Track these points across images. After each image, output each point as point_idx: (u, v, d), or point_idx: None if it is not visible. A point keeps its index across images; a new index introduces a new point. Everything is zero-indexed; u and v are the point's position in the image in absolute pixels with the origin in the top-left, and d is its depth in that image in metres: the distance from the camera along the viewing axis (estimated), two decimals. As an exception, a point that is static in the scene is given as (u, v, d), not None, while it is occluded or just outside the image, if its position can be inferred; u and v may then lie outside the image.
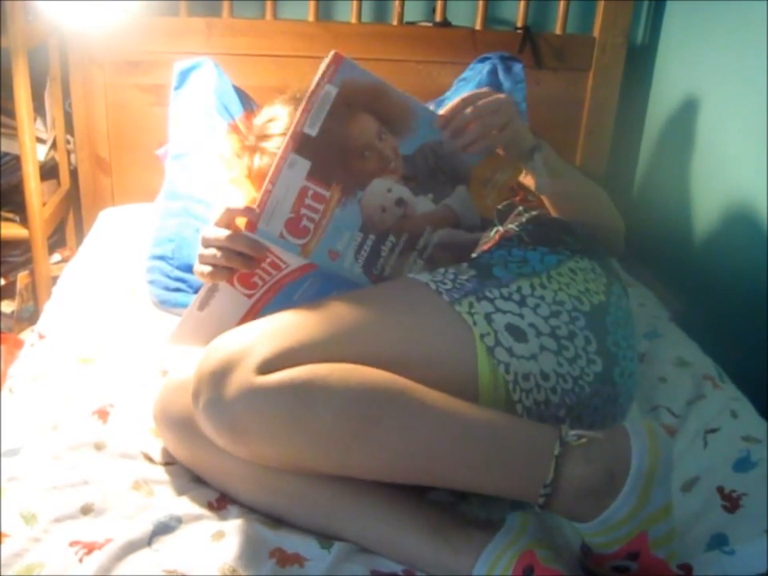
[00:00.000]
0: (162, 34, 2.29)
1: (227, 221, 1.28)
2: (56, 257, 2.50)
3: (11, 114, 2.20)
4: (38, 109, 2.30)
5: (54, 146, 2.41)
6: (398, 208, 1.29)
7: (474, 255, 1.41)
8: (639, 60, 2.50)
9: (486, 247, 1.44)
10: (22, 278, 2.38)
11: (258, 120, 1.86)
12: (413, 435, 1.11)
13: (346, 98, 1.20)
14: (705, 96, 2.18)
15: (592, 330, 1.27)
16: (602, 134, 2.49)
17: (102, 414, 1.43)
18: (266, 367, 1.10)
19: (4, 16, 2.02)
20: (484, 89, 1.33)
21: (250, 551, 1.15)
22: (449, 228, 1.35)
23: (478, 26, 2.38)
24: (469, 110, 1.28)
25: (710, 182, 2.14)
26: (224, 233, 1.27)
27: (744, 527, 1.23)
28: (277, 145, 1.73)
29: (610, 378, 1.27)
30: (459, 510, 1.29)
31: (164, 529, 1.18)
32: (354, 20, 2.35)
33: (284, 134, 1.66)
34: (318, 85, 1.19)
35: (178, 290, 1.84)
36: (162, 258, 1.89)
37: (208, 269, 1.29)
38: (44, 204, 2.28)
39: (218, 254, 1.27)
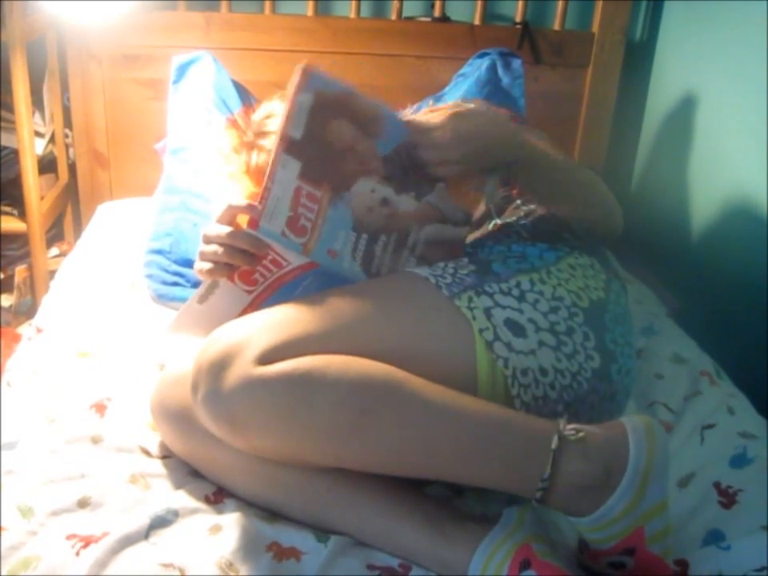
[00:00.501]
0: (160, 29, 2.28)
1: (229, 217, 1.28)
2: (54, 251, 2.50)
3: (9, 108, 2.19)
4: (37, 103, 2.30)
5: (52, 139, 2.41)
6: (383, 207, 1.31)
7: (468, 247, 1.41)
8: (638, 56, 2.50)
9: (479, 235, 1.44)
10: (19, 271, 2.38)
11: (256, 116, 1.86)
12: (410, 427, 1.11)
13: (320, 105, 1.24)
14: (703, 93, 2.18)
15: (590, 327, 1.27)
16: (601, 130, 2.49)
17: (100, 408, 1.43)
18: (265, 359, 1.11)
19: (3, 10, 2.02)
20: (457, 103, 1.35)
21: (247, 545, 1.15)
22: (435, 224, 1.36)
23: (476, 22, 2.38)
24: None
25: (708, 179, 2.14)
26: (225, 229, 1.27)
27: (740, 523, 1.23)
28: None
29: (607, 374, 1.27)
30: (455, 504, 1.29)
31: (161, 522, 1.18)
32: (352, 15, 2.35)
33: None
34: (294, 94, 1.24)
35: (175, 284, 1.84)
36: (159, 252, 1.89)
37: (208, 266, 1.30)
38: (42, 198, 2.28)
39: (219, 250, 1.28)
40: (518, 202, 1.54)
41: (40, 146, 2.32)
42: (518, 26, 2.37)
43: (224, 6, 2.31)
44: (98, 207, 2.33)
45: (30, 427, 1.35)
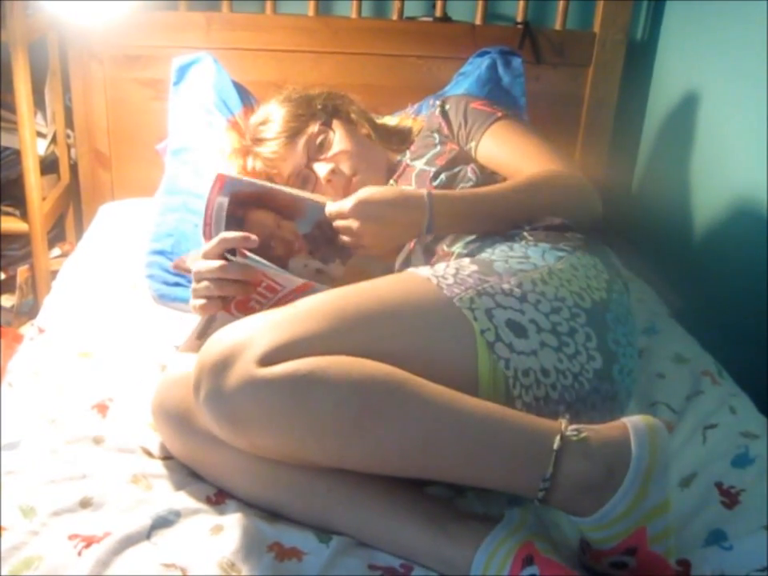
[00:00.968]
0: (161, 29, 2.28)
1: (218, 252, 1.31)
2: (56, 251, 2.50)
3: (11, 108, 2.20)
4: (38, 103, 2.30)
5: (53, 140, 2.41)
6: (321, 276, 1.41)
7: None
8: (639, 56, 2.50)
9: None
10: (21, 272, 2.38)
11: (254, 119, 1.86)
12: (412, 428, 1.11)
13: (237, 203, 1.35)
14: (704, 92, 2.18)
15: (592, 327, 1.27)
16: (602, 130, 2.48)
17: (101, 408, 1.43)
18: (267, 359, 1.11)
19: (4, 10, 2.03)
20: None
21: (249, 545, 1.15)
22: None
23: (477, 21, 2.38)
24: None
25: (709, 178, 2.14)
26: (215, 263, 1.31)
27: (742, 523, 1.23)
28: (270, 149, 1.75)
29: (609, 374, 1.27)
30: (457, 504, 1.29)
31: (162, 523, 1.18)
32: (353, 15, 2.35)
33: (276, 139, 1.70)
34: (209, 200, 1.35)
35: (177, 284, 1.84)
36: (161, 252, 1.89)
37: (202, 302, 1.33)
38: (44, 198, 2.28)
39: (212, 285, 1.31)
40: None
41: (42, 147, 2.32)
42: (519, 26, 2.37)
43: (225, 5, 2.31)
44: (100, 208, 2.33)
45: (31, 427, 1.36)
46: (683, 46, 2.33)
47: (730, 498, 1.29)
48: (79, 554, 1.11)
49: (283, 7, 2.37)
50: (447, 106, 1.77)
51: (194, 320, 1.59)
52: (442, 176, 1.62)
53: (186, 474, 1.31)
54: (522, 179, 1.54)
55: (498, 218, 1.49)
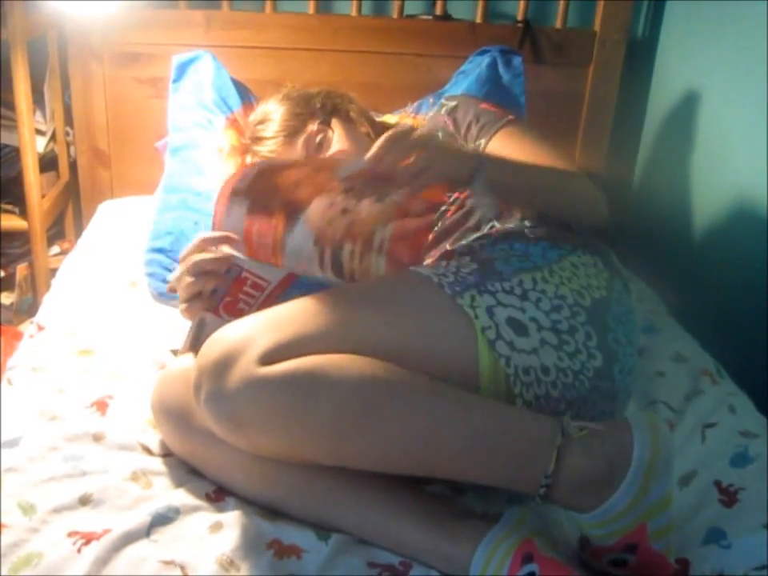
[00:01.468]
0: (161, 27, 2.28)
1: (195, 251, 1.33)
2: (55, 249, 2.50)
3: (11, 106, 2.20)
4: (38, 101, 2.30)
5: (53, 138, 2.41)
6: (344, 216, 1.31)
7: (462, 242, 1.43)
8: (639, 55, 2.49)
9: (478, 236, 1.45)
10: (21, 269, 2.38)
11: (253, 117, 1.86)
12: (413, 426, 1.12)
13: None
14: (705, 91, 2.18)
15: (593, 325, 1.27)
16: (602, 128, 2.48)
17: (101, 406, 1.43)
18: (268, 358, 1.11)
19: (3, 8, 2.02)
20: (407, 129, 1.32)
21: (248, 542, 1.15)
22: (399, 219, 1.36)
23: (478, 20, 2.38)
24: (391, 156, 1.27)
25: (709, 177, 2.14)
26: (194, 257, 1.33)
27: (741, 521, 1.23)
28: (269, 148, 1.74)
29: (609, 373, 1.27)
30: (457, 502, 1.29)
31: (162, 520, 1.18)
32: (354, 13, 2.35)
33: (274, 138, 1.68)
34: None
35: (176, 282, 1.84)
36: (160, 250, 1.89)
37: (185, 305, 1.34)
38: (43, 196, 2.28)
39: (191, 281, 1.31)
40: None
41: (41, 144, 2.32)
42: (520, 25, 2.37)
43: (225, 4, 2.31)
44: (99, 206, 2.32)
45: (31, 425, 1.35)
46: (683, 45, 2.33)
47: (728, 496, 1.29)
48: (79, 551, 1.11)
49: (283, 5, 2.37)
50: (454, 104, 1.76)
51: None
52: None
53: (186, 471, 1.31)
54: (544, 167, 1.52)
55: (534, 189, 1.45)
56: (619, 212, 2.44)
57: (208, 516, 1.21)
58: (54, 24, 2.30)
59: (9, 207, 2.29)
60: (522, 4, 2.38)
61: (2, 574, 1.06)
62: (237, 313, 1.29)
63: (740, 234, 2.00)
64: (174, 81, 2.15)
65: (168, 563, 1.11)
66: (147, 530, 1.16)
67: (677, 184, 2.27)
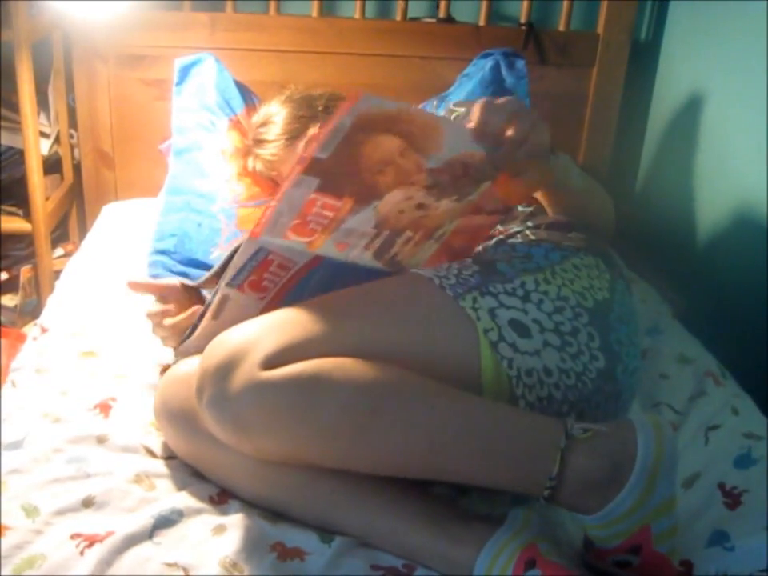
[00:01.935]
0: (165, 29, 2.29)
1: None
2: (59, 251, 2.50)
3: (15, 108, 2.20)
4: (42, 103, 2.30)
5: (57, 140, 2.42)
6: (417, 211, 1.27)
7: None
8: (643, 57, 2.49)
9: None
10: (24, 271, 2.38)
11: (255, 119, 1.87)
12: (418, 429, 1.12)
13: (361, 126, 1.16)
14: (708, 93, 2.18)
15: (595, 327, 1.27)
16: (606, 130, 2.48)
17: (104, 408, 1.43)
18: (271, 362, 1.11)
19: (8, 10, 2.03)
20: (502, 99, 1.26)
21: (251, 545, 1.15)
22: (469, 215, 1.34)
23: (481, 22, 2.38)
24: (498, 120, 1.22)
25: (713, 179, 2.14)
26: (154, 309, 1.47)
27: (745, 524, 1.23)
28: (270, 152, 1.74)
29: (612, 374, 1.27)
30: (460, 504, 1.29)
31: (165, 522, 1.18)
32: (357, 15, 2.35)
33: (276, 141, 1.68)
34: (336, 117, 1.15)
35: (180, 284, 1.84)
36: (164, 252, 1.89)
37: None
38: (47, 198, 2.29)
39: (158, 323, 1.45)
40: (519, 208, 1.54)
41: (45, 146, 2.33)
42: (523, 27, 2.37)
43: (229, 6, 2.31)
44: (104, 208, 2.33)
45: (34, 426, 1.36)
46: (687, 46, 2.33)
47: (732, 498, 1.29)
48: (81, 553, 1.11)
49: (287, 7, 2.37)
50: (463, 111, 1.76)
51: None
52: None
53: (189, 473, 1.31)
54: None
55: (575, 188, 1.43)
56: (623, 213, 2.44)
57: (211, 518, 1.21)
58: (59, 26, 2.30)
59: (13, 209, 2.29)
60: (525, 6, 2.38)
61: (5, 575, 1.06)
62: (261, 289, 1.29)
63: (744, 235, 2.00)
64: (177, 84, 2.16)
65: (171, 565, 1.11)
66: (150, 533, 1.16)
67: (680, 185, 2.27)
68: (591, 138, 2.48)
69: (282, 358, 1.11)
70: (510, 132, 1.20)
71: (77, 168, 2.48)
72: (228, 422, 1.11)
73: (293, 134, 1.75)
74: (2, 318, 2.37)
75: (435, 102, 2.17)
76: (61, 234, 2.57)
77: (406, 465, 1.15)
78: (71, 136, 2.46)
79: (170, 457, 1.34)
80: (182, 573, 1.10)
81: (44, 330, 1.69)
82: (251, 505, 1.25)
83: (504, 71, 2.21)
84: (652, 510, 1.09)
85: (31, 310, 2.41)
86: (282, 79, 2.23)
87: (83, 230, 2.43)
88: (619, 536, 1.09)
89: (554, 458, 1.09)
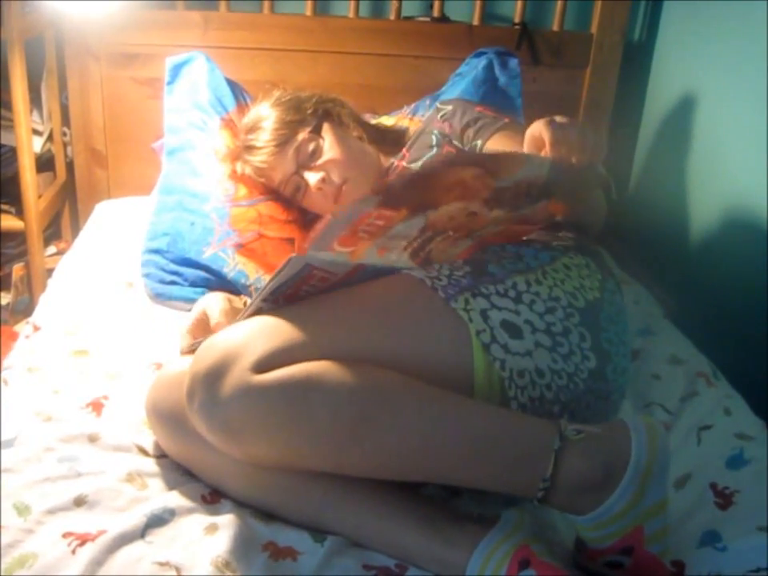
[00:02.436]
0: (158, 27, 2.28)
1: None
2: (51, 249, 2.50)
3: (8, 106, 2.19)
4: (35, 101, 2.30)
5: (50, 138, 2.41)
6: (467, 218, 1.25)
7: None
8: (636, 57, 2.50)
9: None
10: (17, 269, 2.38)
11: (244, 122, 1.87)
12: (410, 432, 1.11)
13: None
14: (702, 94, 2.18)
15: (586, 327, 1.27)
16: (599, 131, 2.48)
17: (96, 407, 1.43)
18: (262, 366, 1.10)
19: (1, 8, 2.02)
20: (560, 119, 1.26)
21: (243, 545, 1.15)
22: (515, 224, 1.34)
23: (475, 22, 2.38)
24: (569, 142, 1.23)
25: (706, 180, 2.14)
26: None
27: (736, 524, 1.23)
28: (260, 159, 1.75)
29: (603, 374, 1.27)
30: (453, 505, 1.29)
31: (157, 521, 1.18)
32: (351, 15, 2.35)
33: (265, 147, 1.68)
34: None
35: (173, 283, 1.84)
36: (157, 251, 1.89)
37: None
38: (40, 196, 2.28)
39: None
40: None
41: (38, 145, 2.32)
42: (517, 27, 2.37)
43: (222, 5, 2.31)
44: (96, 206, 2.32)
45: (26, 425, 1.35)
46: (681, 47, 2.33)
47: (724, 499, 1.29)
48: (73, 552, 1.10)
49: (280, 7, 2.37)
50: (450, 108, 1.76)
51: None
52: None
53: (181, 472, 1.31)
54: None
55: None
56: (615, 214, 2.44)
57: (203, 518, 1.21)
58: (52, 24, 2.30)
59: (5, 207, 2.29)
60: (519, 6, 2.38)
61: (-3, 574, 1.06)
62: (297, 299, 1.26)
63: (736, 236, 2.00)
64: (169, 83, 2.15)
65: (163, 564, 1.11)
66: (142, 532, 1.16)
67: (673, 186, 2.28)
68: (584, 139, 2.48)
69: (273, 361, 1.11)
70: (579, 158, 1.22)
71: (69, 166, 2.48)
72: (219, 427, 1.11)
73: (281, 140, 1.75)
74: (-5, 317, 2.37)
75: (428, 102, 2.17)
76: (53, 232, 2.57)
77: (399, 468, 1.15)
78: (64, 134, 2.46)
79: (162, 456, 1.34)
80: (173, 572, 1.10)
81: (36, 329, 1.69)
82: (243, 504, 1.25)
83: (497, 70, 2.21)
84: (644, 511, 1.09)
85: (23, 308, 2.40)
86: (275, 78, 2.23)
87: (76, 228, 2.43)
88: (611, 537, 1.10)
89: (548, 459, 1.09)
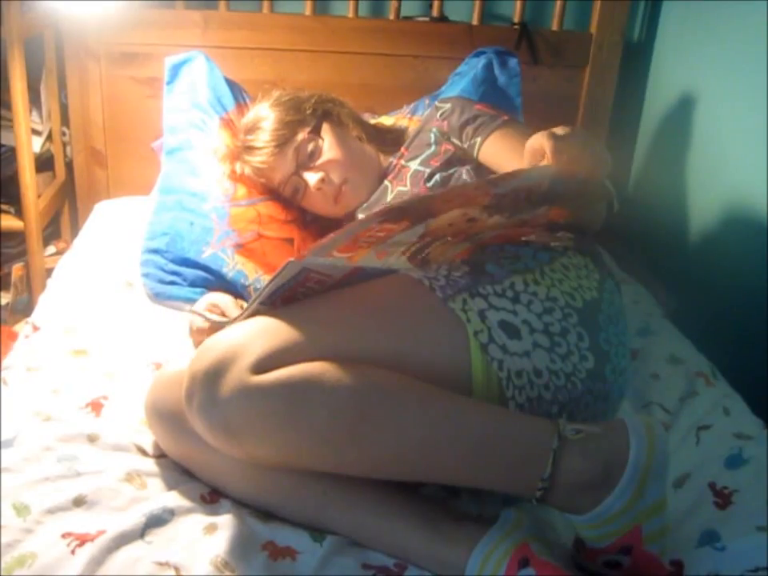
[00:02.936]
0: (158, 27, 2.28)
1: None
2: (51, 249, 2.49)
3: (7, 106, 2.19)
4: (34, 100, 2.30)
5: (49, 137, 2.41)
6: (467, 223, 1.26)
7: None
8: (636, 57, 2.50)
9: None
10: (16, 269, 2.38)
11: (243, 123, 1.87)
12: (409, 432, 1.11)
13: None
14: (701, 93, 2.18)
15: (585, 327, 1.27)
16: (598, 130, 2.48)
17: (96, 406, 1.43)
18: (261, 366, 1.10)
19: (0, 7, 2.02)
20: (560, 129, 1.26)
21: (242, 544, 1.16)
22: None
23: (475, 22, 2.38)
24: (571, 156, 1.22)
25: (705, 179, 2.14)
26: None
27: (735, 524, 1.23)
28: (259, 159, 1.75)
29: (601, 374, 1.27)
30: (451, 504, 1.29)
31: (156, 521, 1.18)
32: (351, 14, 2.35)
33: (264, 148, 1.68)
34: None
35: (172, 283, 1.84)
36: (156, 251, 1.89)
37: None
38: (39, 196, 2.28)
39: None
40: None
41: (37, 144, 2.32)
42: (516, 27, 2.37)
43: (222, 4, 2.31)
44: (95, 206, 2.32)
45: (26, 425, 1.35)
46: (680, 47, 2.33)
47: (723, 498, 1.29)
48: (73, 552, 1.11)
49: (280, 6, 2.37)
50: (448, 106, 1.76)
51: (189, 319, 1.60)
52: (437, 177, 1.62)
53: (180, 472, 1.31)
54: None
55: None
56: (615, 214, 2.44)
57: (202, 517, 1.21)
58: (51, 23, 2.30)
59: (5, 207, 2.28)
60: (518, 6, 2.38)
61: (-3, 574, 1.06)
62: (293, 302, 1.26)
63: (735, 236, 2.00)
64: (168, 82, 2.15)
65: (162, 564, 1.11)
66: (141, 532, 1.16)
67: (673, 186, 2.28)
68: (583, 138, 2.48)
69: (272, 362, 1.11)
70: (581, 170, 1.22)
71: (69, 166, 2.47)
72: (218, 427, 1.11)
73: (281, 141, 1.75)
74: (-6, 316, 2.37)
75: (427, 101, 2.17)
76: (53, 232, 2.56)
77: (399, 468, 1.15)
78: (63, 134, 2.45)
79: (161, 455, 1.34)
80: (173, 572, 1.10)
81: (35, 328, 1.69)
82: (242, 504, 1.25)
83: (497, 69, 2.21)
84: (643, 510, 1.09)
85: (23, 308, 2.40)
86: (275, 78, 2.24)
87: (75, 228, 2.43)
88: (610, 536, 1.10)
89: (547, 459, 1.09)
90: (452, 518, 1.19)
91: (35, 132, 2.30)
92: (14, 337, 2.07)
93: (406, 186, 1.69)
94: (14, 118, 2.14)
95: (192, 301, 1.73)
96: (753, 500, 1.28)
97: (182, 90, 2.12)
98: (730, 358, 1.76)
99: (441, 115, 1.77)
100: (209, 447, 1.17)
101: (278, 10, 2.36)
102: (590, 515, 1.09)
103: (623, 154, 2.58)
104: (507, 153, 1.58)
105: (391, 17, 2.38)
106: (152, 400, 1.31)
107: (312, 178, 1.74)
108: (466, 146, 1.68)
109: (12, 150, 2.23)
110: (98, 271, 1.93)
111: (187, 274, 1.83)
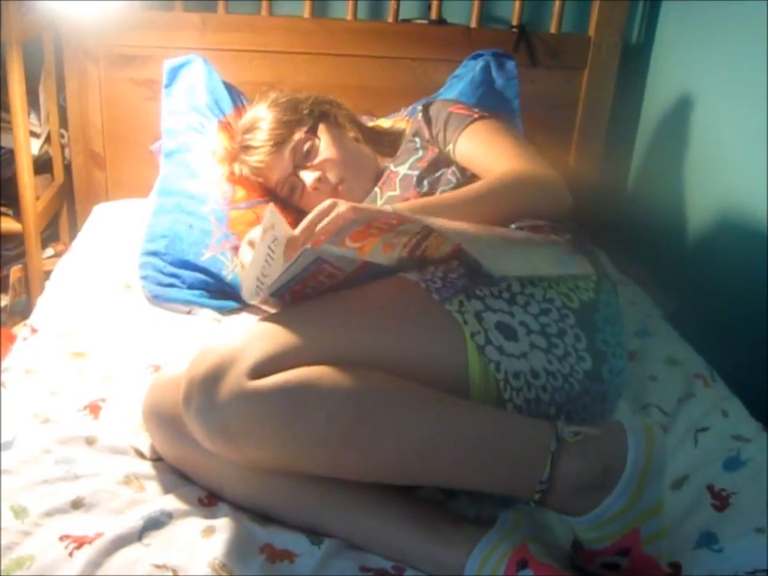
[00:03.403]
0: (156, 29, 2.28)
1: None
2: (49, 251, 2.50)
3: (6, 108, 2.19)
4: (33, 103, 2.30)
5: (48, 139, 2.41)
6: (419, 249, 1.29)
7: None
8: (634, 59, 2.50)
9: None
10: (14, 271, 2.38)
11: (241, 124, 1.87)
12: (407, 435, 1.12)
13: None
14: (699, 95, 2.18)
15: (581, 328, 1.27)
16: (597, 132, 2.49)
17: (94, 409, 1.43)
18: (258, 371, 1.10)
19: (-1, 9, 2.02)
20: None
21: (240, 547, 1.15)
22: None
23: (473, 24, 2.38)
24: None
25: (704, 181, 2.14)
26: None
27: (733, 526, 1.23)
28: (257, 159, 1.76)
29: (599, 375, 1.27)
30: (449, 507, 1.29)
31: (154, 524, 1.18)
32: (349, 17, 2.35)
33: (262, 147, 1.68)
34: None
35: (171, 285, 1.84)
36: (155, 253, 1.89)
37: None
38: (37, 198, 2.28)
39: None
40: None
41: (36, 146, 2.32)
42: (515, 29, 2.38)
43: (220, 6, 2.31)
44: (94, 208, 2.32)
45: (24, 427, 1.35)
46: (678, 48, 2.33)
47: (721, 500, 1.29)
48: (71, 554, 1.11)
49: (279, 8, 2.37)
50: (430, 111, 1.77)
51: (189, 321, 1.60)
52: (425, 182, 1.62)
53: (178, 475, 1.31)
54: (475, 188, 1.49)
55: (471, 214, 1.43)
56: (614, 215, 2.45)
57: (200, 520, 1.21)
58: (50, 25, 2.30)
59: (3, 209, 2.29)
60: (516, 8, 2.38)
61: (-6, 576, 1.06)
62: (301, 297, 1.27)
63: (734, 238, 2.00)
64: (166, 85, 2.15)
65: (160, 567, 1.11)
66: (139, 534, 1.16)
67: (671, 187, 2.28)
68: (582, 140, 2.49)
69: (269, 366, 1.11)
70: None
71: (67, 168, 2.48)
72: (216, 432, 1.11)
73: (278, 140, 1.76)
74: (-7, 318, 2.37)
75: (419, 105, 2.17)
76: (51, 234, 2.56)
77: (397, 472, 1.15)
78: (62, 136, 2.45)
79: (159, 458, 1.34)
80: (170, 574, 1.10)
81: (34, 331, 1.69)
82: (240, 507, 1.25)
83: (494, 72, 2.22)
84: (641, 512, 1.09)
85: (21, 310, 2.40)
86: (273, 80, 2.24)
87: (73, 230, 2.43)
88: (608, 538, 1.10)
89: (545, 461, 1.09)
90: (450, 521, 1.19)
91: (34, 134, 2.31)
92: (12, 339, 2.07)
93: (395, 190, 1.69)
94: (12, 120, 2.14)
95: (191, 303, 1.73)
96: (751, 502, 1.28)
97: (181, 93, 2.12)
98: (729, 359, 1.76)
99: (422, 118, 1.77)
100: (206, 451, 1.17)
101: (276, 13, 2.36)
102: (588, 517, 1.09)
103: (622, 156, 2.58)
104: (475, 154, 1.62)
105: (389, 19, 2.38)
106: (150, 403, 1.31)
107: (309, 177, 1.74)
108: (446, 150, 1.69)
109: (10, 152, 2.23)
110: (96, 273, 1.93)
111: (186, 277, 1.83)
